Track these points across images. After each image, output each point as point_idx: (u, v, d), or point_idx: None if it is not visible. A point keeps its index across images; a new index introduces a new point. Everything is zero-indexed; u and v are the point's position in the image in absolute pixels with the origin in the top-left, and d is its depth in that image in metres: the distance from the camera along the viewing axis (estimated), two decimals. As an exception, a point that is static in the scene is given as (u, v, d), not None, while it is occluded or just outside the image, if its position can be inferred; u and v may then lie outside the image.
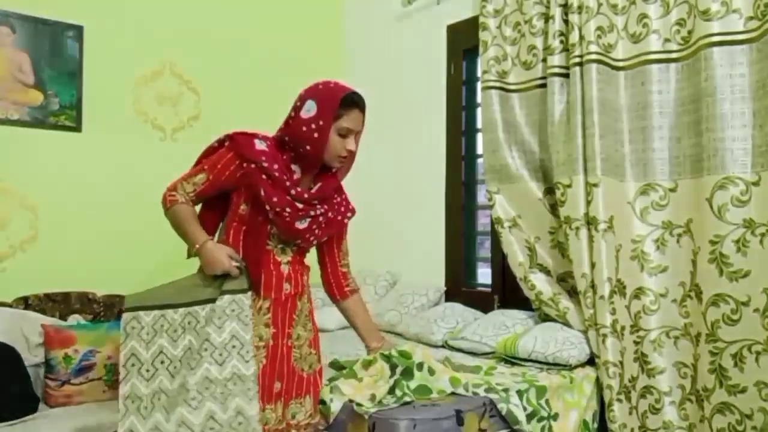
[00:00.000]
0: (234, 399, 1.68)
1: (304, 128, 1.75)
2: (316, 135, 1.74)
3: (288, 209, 1.76)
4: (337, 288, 2.06)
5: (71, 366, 2.41)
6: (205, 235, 1.80)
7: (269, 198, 1.74)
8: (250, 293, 1.77)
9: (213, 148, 1.87)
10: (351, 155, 1.85)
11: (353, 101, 1.78)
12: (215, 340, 1.70)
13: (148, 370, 1.69)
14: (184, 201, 1.81)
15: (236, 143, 1.78)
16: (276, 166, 1.76)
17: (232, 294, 1.75)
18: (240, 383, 1.69)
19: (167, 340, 1.72)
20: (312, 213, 1.82)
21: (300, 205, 1.78)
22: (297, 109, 1.78)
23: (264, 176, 1.75)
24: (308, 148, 1.76)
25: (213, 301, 1.74)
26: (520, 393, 2.02)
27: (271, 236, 1.82)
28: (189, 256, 1.85)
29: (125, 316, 1.72)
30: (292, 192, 1.77)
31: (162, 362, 1.70)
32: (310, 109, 1.75)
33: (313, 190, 1.83)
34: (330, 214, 1.90)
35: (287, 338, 1.82)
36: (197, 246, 1.78)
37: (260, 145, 1.78)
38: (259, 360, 1.76)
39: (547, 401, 2.09)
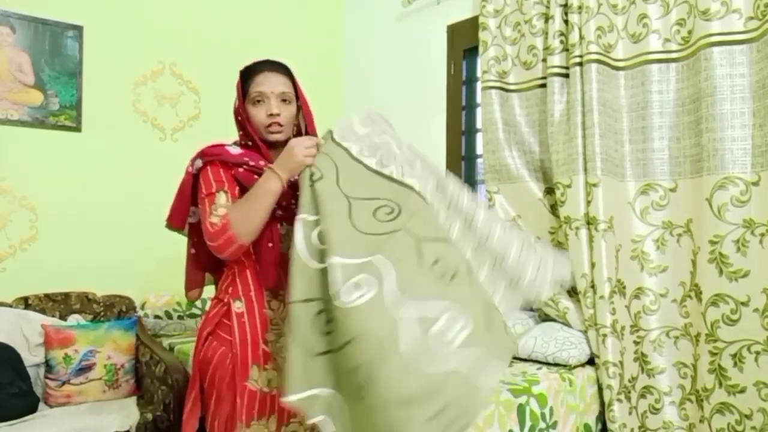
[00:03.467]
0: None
1: (239, 118, 1.72)
2: (239, 117, 1.71)
3: (294, 201, 1.66)
4: None
5: (71, 366, 2.41)
6: (261, 174, 1.61)
7: None
8: None
9: (195, 177, 1.69)
10: (281, 119, 1.68)
11: (254, 67, 1.74)
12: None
13: None
14: (225, 213, 1.59)
15: (211, 155, 1.66)
16: (262, 163, 1.67)
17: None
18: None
19: None
20: None
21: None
22: None
23: (256, 177, 1.65)
24: (249, 131, 1.69)
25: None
26: (521, 407, 2.01)
27: (282, 237, 1.69)
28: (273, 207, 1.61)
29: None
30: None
31: None
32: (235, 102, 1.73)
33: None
34: None
35: None
36: (272, 180, 1.57)
37: (235, 150, 1.69)
38: (266, 371, 1.65)
39: (551, 409, 2.09)
